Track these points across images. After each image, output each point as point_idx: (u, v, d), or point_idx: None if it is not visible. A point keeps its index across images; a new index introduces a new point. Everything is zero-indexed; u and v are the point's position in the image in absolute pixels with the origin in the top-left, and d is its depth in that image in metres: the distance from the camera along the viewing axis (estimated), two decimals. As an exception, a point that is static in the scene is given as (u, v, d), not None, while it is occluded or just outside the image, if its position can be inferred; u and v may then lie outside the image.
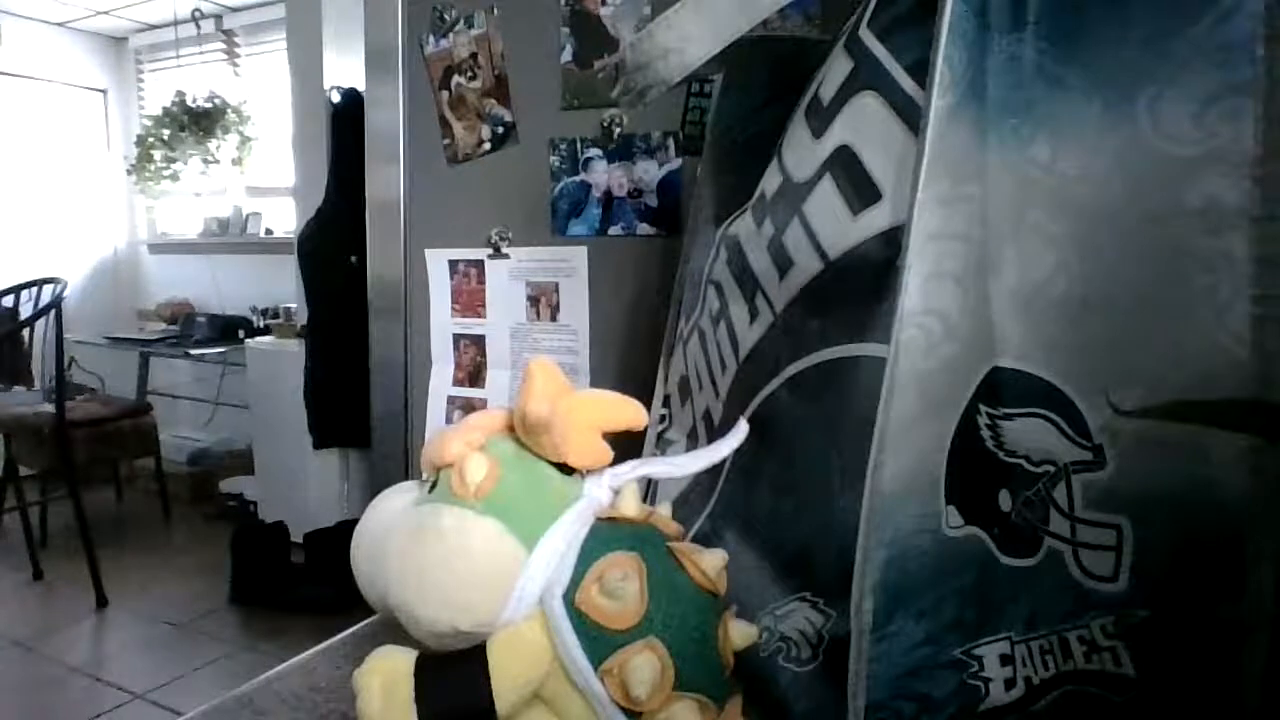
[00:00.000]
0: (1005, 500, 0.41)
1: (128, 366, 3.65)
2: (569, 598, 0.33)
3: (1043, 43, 0.39)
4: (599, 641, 0.33)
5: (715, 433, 0.58)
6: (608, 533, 0.36)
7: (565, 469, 0.36)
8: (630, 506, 0.37)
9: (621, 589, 0.33)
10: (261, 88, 3.67)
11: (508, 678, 0.32)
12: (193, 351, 3.29)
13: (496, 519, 0.33)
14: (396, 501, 0.36)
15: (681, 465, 0.40)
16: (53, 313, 2.47)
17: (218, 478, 3.41)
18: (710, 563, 0.38)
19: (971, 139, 0.40)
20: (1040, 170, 0.40)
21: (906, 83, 0.41)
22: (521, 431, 0.36)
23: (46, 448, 2.64)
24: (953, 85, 0.38)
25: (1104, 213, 0.39)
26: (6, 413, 2.68)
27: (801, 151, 0.47)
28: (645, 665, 0.32)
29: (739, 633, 0.39)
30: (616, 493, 0.38)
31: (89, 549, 2.55)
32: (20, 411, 2.68)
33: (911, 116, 0.41)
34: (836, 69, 0.45)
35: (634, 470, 0.38)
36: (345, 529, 2.53)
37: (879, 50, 0.43)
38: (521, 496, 0.34)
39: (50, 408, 2.58)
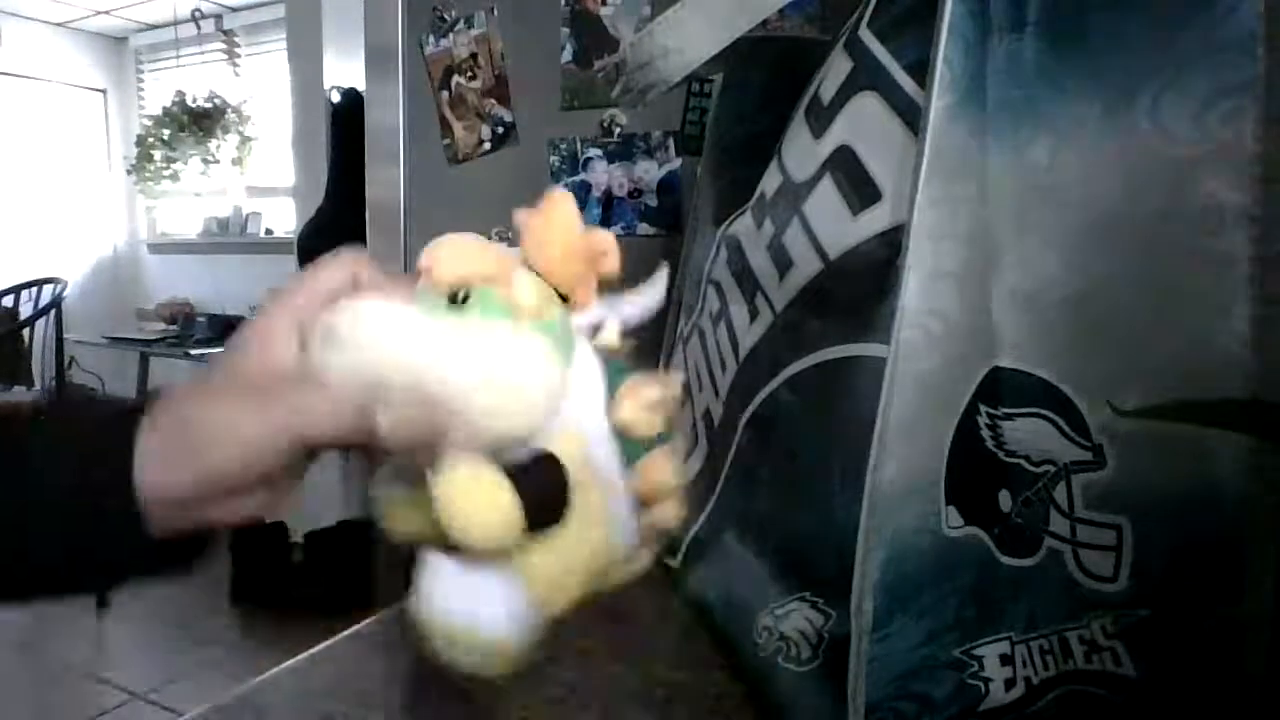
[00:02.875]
0: (1005, 500, 0.41)
1: (127, 366, 3.65)
2: (607, 412, 0.38)
3: (1042, 44, 0.39)
4: (630, 447, 0.38)
5: (715, 433, 0.58)
6: (606, 358, 0.40)
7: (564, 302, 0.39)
8: (613, 339, 0.41)
9: (657, 406, 0.38)
10: (261, 88, 3.67)
11: (571, 471, 0.35)
12: (193, 351, 3.28)
13: (548, 339, 0.35)
14: (398, 310, 0.35)
15: (629, 307, 0.42)
16: (52, 313, 2.47)
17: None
18: (674, 381, 0.42)
19: (971, 139, 0.40)
20: (1041, 171, 0.40)
21: (906, 83, 0.41)
22: (563, 261, 0.38)
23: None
24: (952, 85, 0.38)
25: (1104, 213, 0.39)
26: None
27: (801, 151, 0.47)
28: (671, 466, 0.39)
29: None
30: (593, 327, 0.41)
31: (89, 549, 2.55)
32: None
33: (911, 116, 0.41)
34: (836, 69, 0.45)
35: (600, 309, 0.41)
36: (345, 529, 2.53)
37: (879, 50, 0.43)
38: (556, 323, 0.37)
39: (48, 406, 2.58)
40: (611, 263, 0.39)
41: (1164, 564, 0.38)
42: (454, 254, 0.36)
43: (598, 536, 0.37)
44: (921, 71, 0.40)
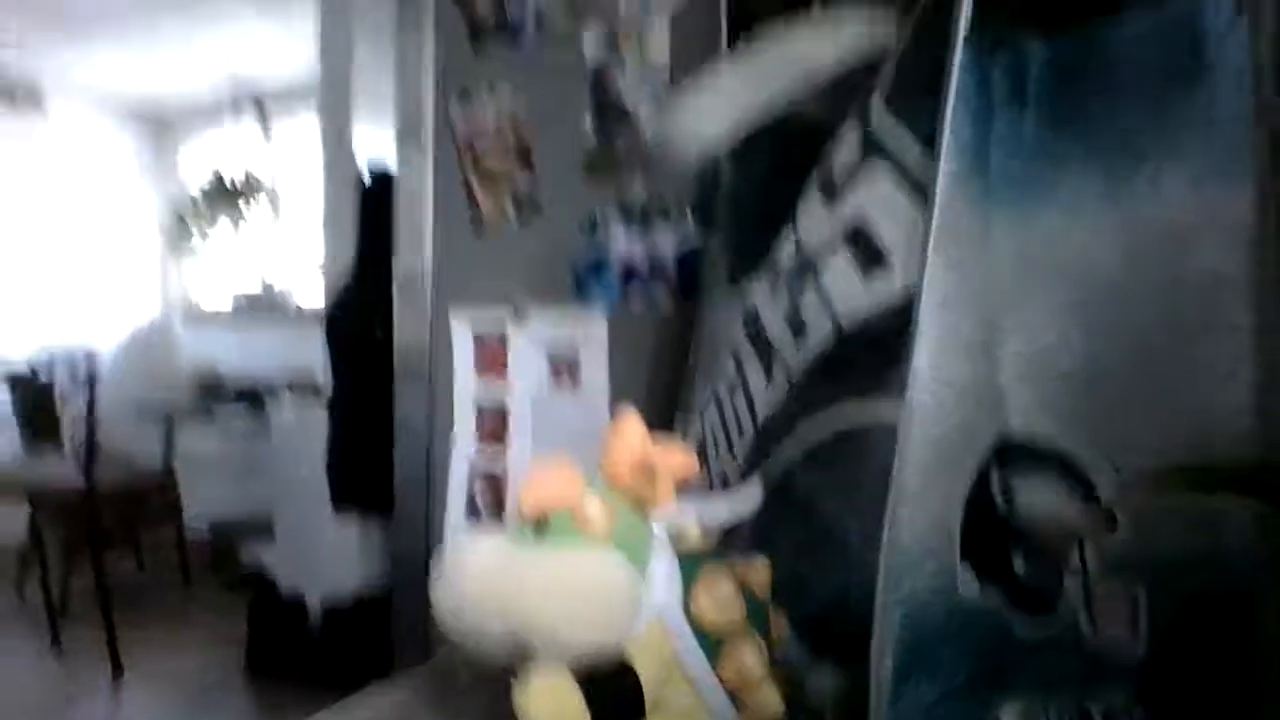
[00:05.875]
0: (1019, 562, 0.41)
1: (155, 433, 3.70)
2: (685, 611, 0.41)
3: (1042, 119, 0.41)
4: (711, 641, 0.41)
5: (733, 497, 0.59)
6: (685, 557, 0.43)
7: (640, 508, 0.43)
8: (695, 536, 0.45)
9: (730, 598, 0.41)
10: (294, 163, 3.80)
11: (650, 678, 0.39)
12: (219, 419, 3.34)
13: (618, 552, 0.40)
14: (491, 545, 0.41)
15: (714, 510, 0.47)
16: (86, 380, 2.53)
17: (238, 545, 3.40)
18: (762, 571, 0.46)
19: (977, 208, 0.41)
20: (1044, 239, 0.41)
21: (914, 154, 0.43)
22: (632, 475, 0.42)
23: (71, 515, 2.66)
24: (959, 155, 0.40)
25: (1107, 282, 0.40)
26: (34, 479, 2.71)
27: (815, 220, 0.49)
28: (755, 655, 0.41)
29: (779, 625, 0.46)
30: (672, 530, 0.45)
31: (107, 618, 2.54)
32: (48, 479, 2.71)
33: (920, 185, 0.42)
34: (849, 140, 0.47)
35: (682, 510, 0.45)
36: (363, 600, 2.50)
37: (889, 121, 0.45)
38: (626, 532, 0.41)
39: (78, 474, 2.61)
40: (681, 470, 0.43)
41: (1180, 630, 0.38)
42: (534, 487, 0.42)
43: None
44: (930, 142, 0.42)
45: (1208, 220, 0.37)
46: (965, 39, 0.40)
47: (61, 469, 2.77)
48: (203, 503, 3.84)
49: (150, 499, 3.06)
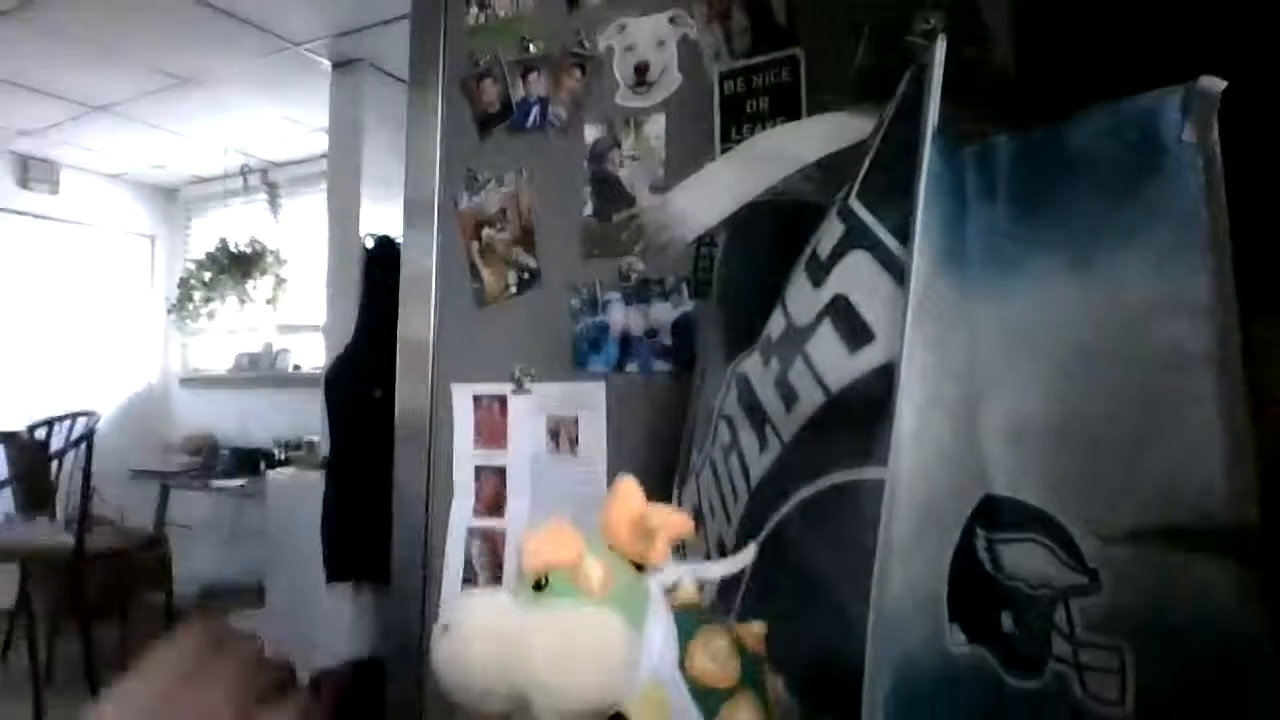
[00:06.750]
0: (1007, 621, 0.42)
1: (149, 497, 3.68)
2: (682, 669, 0.42)
3: (1012, 209, 0.45)
4: (708, 698, 0.42)
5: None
6: (681, 615, 0.44)
7: (637, 567, 0.44)
8: (691, 594, 0.46)
9: (726, 655, 0.42)
10: (299, 231, 3.88)
11: None
12: (213, 483, 3.33)
13: (617, 611, 0.41)
14: (496, 602, 0.42)
15: (709, 569, 0.48)
16: (83, 445, 2.53)
17: (227, 612, 3.35)
18: (758, 630, 0.47)
19: (954, 288, 0.44)
20: (1021, 313, 0.44)
21: (892, 243, 0.46)
22: (630, 535, 0.44)
23: (61, 581, 2.63)
24: (933, 245, 0.43)
25: (1080, 355, 0.43)
26: (27, 543, 2.69)
27: (802, 299, 0.52)
28: (751, 713, 0.42)
29: (775, 684, 0.46)
30: (668, 588, 0.46)
31: (94, 689, 2.49)
32: (39, 543, 2.69)
33: (897, 270, 0.46)
34: (831, 231, 0.51)
35: (678, 569, 0.46)
36: (353, 670, 2.46)
37: (867, 216, 0.48)
38: (624, 591, 0.42)
39: (69, 539, 2.59)
40: (677, 529, 0.45)
41: (1168, 689, 0.39)
42: (536, 545, 0.43)
43: None
44: (904, 233, 0.45)
45: (1169, 299, 0.40)
46: (934, 133, 0.43)
47: (54, 532, 2.75)
48: (193, 568, 3.79)
49: (141, 564, 3.03)
